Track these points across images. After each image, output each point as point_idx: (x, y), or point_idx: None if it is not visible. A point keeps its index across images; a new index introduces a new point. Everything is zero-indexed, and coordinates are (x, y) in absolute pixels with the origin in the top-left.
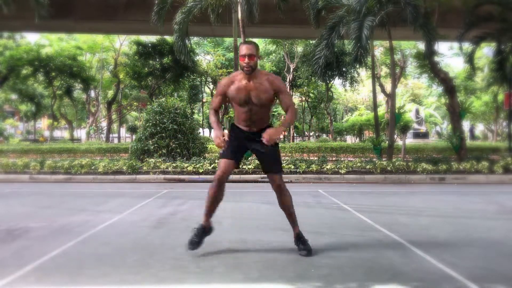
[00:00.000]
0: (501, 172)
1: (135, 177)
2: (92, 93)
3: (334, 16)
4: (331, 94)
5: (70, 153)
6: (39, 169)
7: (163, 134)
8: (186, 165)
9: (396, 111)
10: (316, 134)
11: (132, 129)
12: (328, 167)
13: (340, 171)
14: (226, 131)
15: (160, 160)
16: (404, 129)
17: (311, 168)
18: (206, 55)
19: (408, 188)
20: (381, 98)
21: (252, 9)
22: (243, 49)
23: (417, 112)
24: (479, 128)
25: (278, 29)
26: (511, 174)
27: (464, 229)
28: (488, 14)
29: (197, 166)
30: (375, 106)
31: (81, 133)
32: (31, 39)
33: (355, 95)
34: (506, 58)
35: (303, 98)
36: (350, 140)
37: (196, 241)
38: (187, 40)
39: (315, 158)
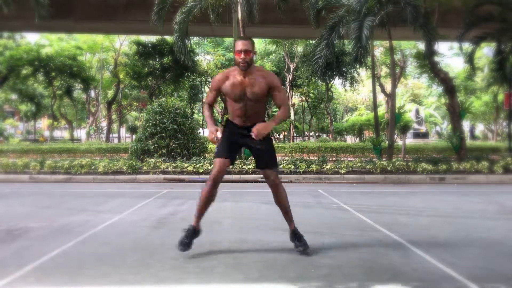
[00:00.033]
0: (501, 172)
1: (135, 177)
2: (92, 93)
3: (334, 16)
4: (331, 94)
5: (70, 153)
6: (39, 169)
7: (163, 134)
8: (186, 165)
9: (396, 111)
10: (316, 134)
11: (132, 129)
12: (328, 167)
13: (340, 171)
14: (219, 127)
15: (160, 160)
16: (404, 129)
17: (311, 168)
18: (206, 55)
19: (408, 188)
20: (381, 98)
21: (252, 9)
22: (239, 45)
23: (417, 112)
24: (479, 128)
25: (278, 29)
26: (511, 174)
27: (464, 229)
28: (488, 14)
29: (197, 166)
30: (375, 106)
31: (81, 133)
32: (31, 39)
33: (355, 95)
34: (506, 58)
35: (303, 98)
36: (350, 140)
37: (186, 242)
38: (187, 40)
39: (315, 158)
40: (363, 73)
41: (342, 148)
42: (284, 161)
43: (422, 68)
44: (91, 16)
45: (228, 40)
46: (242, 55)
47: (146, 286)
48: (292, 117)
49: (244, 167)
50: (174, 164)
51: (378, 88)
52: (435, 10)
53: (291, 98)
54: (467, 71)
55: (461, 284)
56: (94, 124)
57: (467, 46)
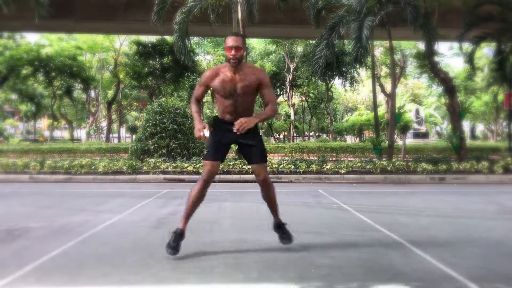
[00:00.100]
0: (501, 172)
1: (135, 177)
2: (92, 93)
3: (334, 16)
4: (331, 94)
5: (70, 153)
6: (39, 169)
7: (163, 134)
8: (186, 165)
9: (396, 111)
10: (316, 134)
11: (132, 129)
12: (328, 167)
13: (340, 171)
14: (207, 125)
15: (160, 160)
16: (404, 129)
17: (311, 168)
18: (206, 55)
19: (408, 188)
20: (381, 98)
21: (252, 9)
22: (230, 41)
23: (417, 112)
24: (479, 128)
25: (278, 29)
26: (511, 174)
27: (464, 229)
28: (488, 14)
29: (197, 166)
30: (375, 106)
31: (81, 133)
32: (31, 39)
33: (355, 95)
34: (506, 58)
35: (303, 98)
36: (350, 140)
37: (174, 246)
38: (187, 40)
39: (315, 158)
40: (363, 73)
41: (342, 148)
42: (284, 161)
43: (422, 68)
44: (91, 16)
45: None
46: (233, 52)
47: (146, 286)
48: (292, 117)
49: (244, 167)
50: (174, 164)
51: (378, 88)
52: (435, 10)
53: (291, 98)
54: (467, 71)
55: (461, 284)
56: (94, 124)
57: (467, 46)
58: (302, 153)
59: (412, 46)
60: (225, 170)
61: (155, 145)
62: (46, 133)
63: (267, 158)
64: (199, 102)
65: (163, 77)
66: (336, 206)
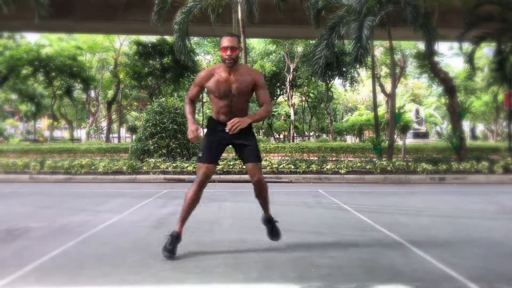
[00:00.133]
0: (501, 172)
1: (135, 177)
2: (92, 93)
3: (334, 16)
4: (331, 94)
5: (70, 153)
6: (39, 169)
7: (163, 134)
8: (186, 165)
9: (396, 111)
10: (316, 134)
11: (132, 129)
12: (328, 167)
13: (340, 171)
14: (201, 129)
15: (160, 160)
16: (404, 129)
17: (311, 168)
18: (206, 55)
19: (408, 188)
20: (381, 98)
21: (252, 9)
22: (225, 42)
23: (417, 112)
24: (479, 128)
25: (278, 29)
26: (511, 174)
27: (464, 229)
28: (488, 14)
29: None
30: (375, 106)
31: (81, 133)
32: (31, 39)
33: (355, 95)
34: (506, 58)
35: (303, 98)
36: (350, 140)
37: (170, 249)
38: (187, 40)
39: (315, 158)
40: (363, 73)
41: (342, 148)
42: (284, 161)
43: (422, 68)
44: (91, 16)
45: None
46: (228, 52)
47: (146, 286)
48: (292, 117)
49: (244, 167)
50: (174, 164)
51: (378, 88)
52: (435, 10)
53: (291, 98)
54: (467, 71)
55: (461, 284)
56: (94, 124)
57: (467, 46)
58: (302, 153)
59: (412, 46)
60: (225, 170)
61: (155, 145)
62: (46, 133)
63: (262, 158)
64: (194, 102)
65: (163, 77)
66: (336, 206)
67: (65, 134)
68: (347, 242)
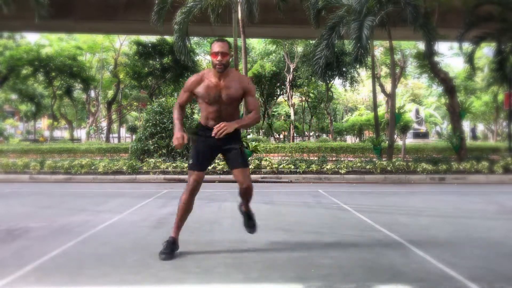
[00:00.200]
0: (501, 172)
1: (135, 177)
2: (92, 93)
3: (334, 16)
4: (331, 94)
5: (70, 153)
6: (39, 169)
7: (163, 134)
8: (186, 165)
9: (396, 111)
10: (316, 134)
11: (132, 129)
12: (328, 167)
13: (340, 171)
14: (185, 136)
15: (160, 160)
16: (404, 129)
17: (311, 168)
18: (206, 55)
19: (408, 188)
20: (381, 98)
21: (252, 9)
22: (216, 47)
23: (417, 112)
24: (479, 128)
25: (278, 29)
26: (511, 174)
27: (464, 229)
28: (488, 14)
29: None
30: (375, 106)
31: (81, 133)
32: (31, 39)
33: (355, 95)
34: (506, 58)
35: (303, 98)
36: (350, 140)
37: (167, 252)
38: (187, 40)
39: (315, 158)
40: (363, 73)
41: (342, 148)
42: (284, 161)
43: (422, 68)
44: (91, 16)
45: (228, 40)
46: (219, 57)
47: (146, 286)
48: (292, 117)
49: None
50: (174, 164)
51: (378, 88)
52: (435, 10)
53: (291, 98)
54: (467, 71)
55: (461, 284)
56: (94, 124)
57: (467, 46)
58: (302, 153)
59: (412, 46)
60: (225, 170)
61: (155, 145)
62: (46, 133)
63: (249, 164)
64: (183, 108)
65: (163, 77)
66: (336, 206)
67: (65, 134)
68: (347, 242)
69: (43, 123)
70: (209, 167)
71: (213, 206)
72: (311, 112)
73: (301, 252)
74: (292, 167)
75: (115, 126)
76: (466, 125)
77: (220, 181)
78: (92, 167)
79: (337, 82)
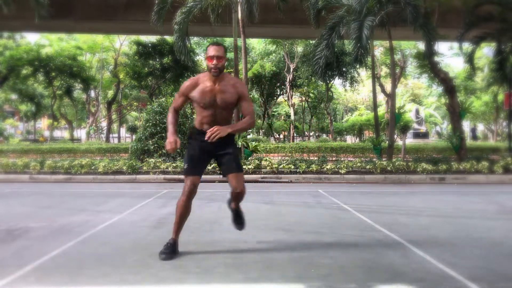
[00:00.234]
0: (501, 172)
1: (135, 177)
2: (92, 93)
3: (334, 16)
4: (331, 94)
5: (70, 153)
6: (39, 169)
7: (163, 134)
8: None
9: (396, 111)
10: (316, 134)
11: (132, 129)
12: (328, 167)
13: (340, 171)
14: (178, 141)
15: (160, 160)
16: (404, 129)
17: (311, 168)
18: None
19: (408, 188)
20: (381, 98)
21: (252, 9)
22: (211, 51)
23: (417, 112)
24: (479, 128)
25: (278, 29)
26: (511, 174)
27: (464, 229)
28: (488, 14)
29: None
30: (375, 106)
31: (81, 133)
32: (31, 39)
33: (355, 95)
34: (506, 58)
35: (303, 98)
36: (350, 140)
37: (167, 252)
38: (187, 40)
39: (315, 158)
40: (363, 73)
41: (342, 148)
42: (284, 161)
43: (422, 68)
44: (91, 16)
45: (229, 40)
46: (214, 61)
47: (146, 286)
48: (292, 117)
49: (244, 167)
50: (174, 164)
51: (378, 88)
52: (435, 10)
53: (291, 98)
54: (467, 71)
55: (461, 284)
56: (94, 124)
57: (467, 46)
58: (302, 153)
59: (412, 46)
60: None
61: (155, 145)
62: (46, 133)
63: (243, 169)
64: (177, 112)
65: (163, 77)
66: (336, 206)
67: (65, 134)
68: (347, 242)
69: (43, 123)
70: (209, 167)
71: (213, 206)
72: (311, 112)
73: (301, 252)
74: (292, 167)
75: (115, 126)
76: (466, 125)
77: (220, 181)
78: (92, 167)
79: (337, 82)
